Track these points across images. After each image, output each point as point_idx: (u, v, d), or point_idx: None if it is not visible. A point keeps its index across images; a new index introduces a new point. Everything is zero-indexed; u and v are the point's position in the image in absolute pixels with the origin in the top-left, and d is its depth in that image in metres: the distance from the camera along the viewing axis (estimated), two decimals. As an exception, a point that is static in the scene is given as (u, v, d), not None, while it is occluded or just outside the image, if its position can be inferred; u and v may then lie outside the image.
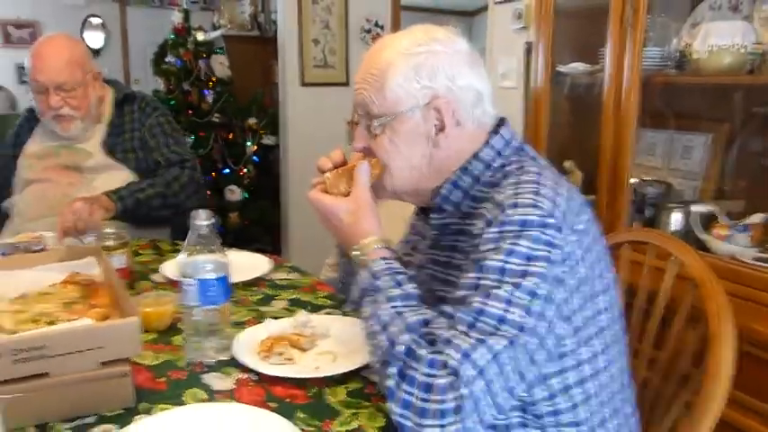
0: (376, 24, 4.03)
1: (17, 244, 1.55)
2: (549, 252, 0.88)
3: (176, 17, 4.11)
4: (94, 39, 5.58)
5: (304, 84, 3.90)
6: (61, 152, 1.94)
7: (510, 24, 2.69)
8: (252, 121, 4.11)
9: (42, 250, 1.50)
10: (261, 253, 1.72)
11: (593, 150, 1.91)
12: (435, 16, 7.10)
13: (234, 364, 1.09)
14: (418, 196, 1.10)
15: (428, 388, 0.82)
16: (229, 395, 1.00)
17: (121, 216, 1.76)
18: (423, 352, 0.84)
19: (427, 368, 0.83)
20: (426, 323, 0.90)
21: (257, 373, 1.05)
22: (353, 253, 1.02)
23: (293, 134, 3.95)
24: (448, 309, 0.89)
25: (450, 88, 1.00)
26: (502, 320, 0.84)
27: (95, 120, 1.97)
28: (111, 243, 1.46)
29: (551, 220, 0.89)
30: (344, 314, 1.31)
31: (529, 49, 2.40)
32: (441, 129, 1.01)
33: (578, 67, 2.07)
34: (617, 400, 1.03)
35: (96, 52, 5.53)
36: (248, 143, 4.12)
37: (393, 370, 0.85)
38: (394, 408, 0.84)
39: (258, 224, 4.14)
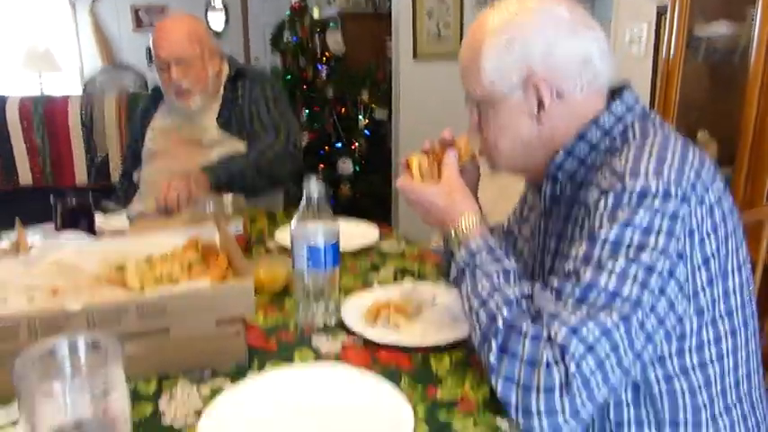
0: (491, -7, 3.90)
1: (145, 211, 1.66)
2: (673, 225, 0.81)
3: (294, -5, 4.21)
4: (216, 20, 5.85)
5: (417, 57, 3.86)
6: (182, 127, 2.04)
7: (639, -14, 2.50)
8: (364, 95, 4.14)
9: (168, 216, 1.60)
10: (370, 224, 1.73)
11: (733, 120, 1.75)
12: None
13: (341, 328, 1.10)
14: (535, 173, 1.05)
15: (532, 363, 0.78)
16: (336, 358, 1.01)
17: (216, 190, 1.76)
18: (525, 325, 0.81)
19: (531, 342, 0.79)
20: (527, 297, 0.87)
21: (363, 338, 1.06)
22: (452, 233, 0.99)
23: (405, 107, 3.94)
24: (555, 282, 0.84)
25: (546, 59, 0.93)
26: (614, 295, 0.79)
27: (213, 95, 2.04)
28: (229, 211, 1.53)
29: (676, 190, 0.82)
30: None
31: (661, 14, 2.22)
32: (541, 105, 0.95)
33: (719, 30, 1.88)
34: (743, 389, 0.94)
35: (218, 34, 5.80)
36: (360, 117, 4.17)
37: (494, 345, 0.82)
38: (496, 383, 0.81)
39: (369, 196, 4.19)
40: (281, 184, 2.06)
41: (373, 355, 1.01)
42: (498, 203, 1.71)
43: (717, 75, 2.06)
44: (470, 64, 0.98)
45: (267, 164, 1.89)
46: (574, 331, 0.77)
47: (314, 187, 1.11)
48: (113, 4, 5.57)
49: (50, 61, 5.05)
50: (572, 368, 0.76)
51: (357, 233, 1.59)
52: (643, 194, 0.82)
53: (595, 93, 0.97)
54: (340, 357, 1.01)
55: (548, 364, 0.77)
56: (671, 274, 0.81)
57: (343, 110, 4.16)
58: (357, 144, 4.15)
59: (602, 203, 0.85)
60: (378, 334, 1.05)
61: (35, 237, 1.36)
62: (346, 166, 4.07)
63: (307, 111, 4.05)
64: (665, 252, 0.80)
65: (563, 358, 0.76)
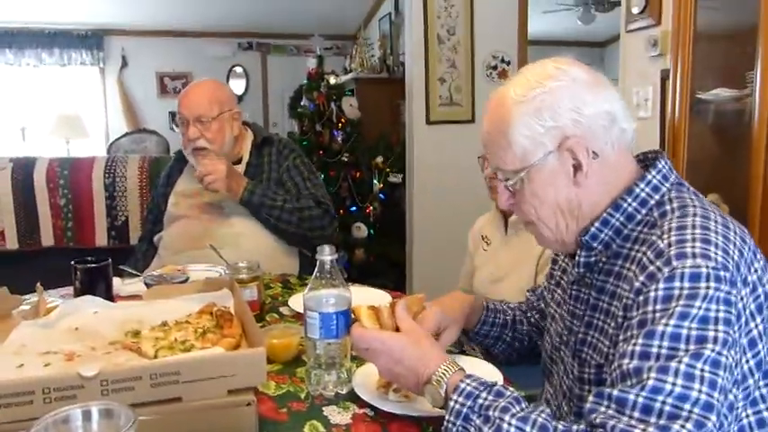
0: (502, 60, 4.01)
1: (163, 275, 1.68)
2: (729, 312, 0.78)
3: (311, 63, 4.36)
4: (238, 86, 6.06)
5: (429, 122, 3.94)
6: (204, 191, 2.09)
7: (644, 52, 2.57)
8: (379, 159, 4.22)
9: (185, 282, 1.62)
10: (384, 289, 1.74)
11: (742, 182, 1.76)
12: (564, 49, 6.96)
13: (352, 398, 1.09)
14: (577, 246, 1.01)
15: None
16: (346, 429, 1.00)
17: (243, 205, 1.98)
18: None
19: None
20: (552, 416, 0.81)
21: (374, 409, 1.05)
22: (435, 379, 0.94)
23: (419, 172, 4.00)
24: (612, 390, 0.78)
25: (577, 121, 0.93)
26: (683, 399, 0.73)
27: (233, 160, 2.10)
28: (243, 276, 1.54)
29: (725, 274, 0.80)
30: (462, 353, 1.28)
31: (665, 77, 2.27)
32: (578, 167, 0.94)
33: (721, 93, 1.92)
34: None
35: (239, 98, 5.99)
36: (375, 181, 4.23)
37: None
38: None
39: (383, 260, 4.20)
40: (304, 246, 2.13)
41: (384, 427, 1.00)
42: (516, 265, 1.71)
43: (724, 137, 2.08)
44: (499, 139, 0.97)
45: (305, 219, 2.01)
46: None
47: (326, 254, 1.13)
48: (140, 71, 5.80)
49: (79, 127, 5.23)
50: None
51: (370, 299, 1.59)
52: (694, 279, 0.79)
53: (626, 151, 0.97)
54: (351, 429, 1.00)
55: None
56: (729, 365, 0.77)
57: (357, 174, 4.23)
58: (372, 208, 4.19)
59: (650, 290, 0.82)
60: (389, 404, 1.05)
61: (54, 301, 1.38)
62: (361, 231, 4.11)
63: (322, 175, 4.12)
64: (726, 343, 0.76)
65: None
